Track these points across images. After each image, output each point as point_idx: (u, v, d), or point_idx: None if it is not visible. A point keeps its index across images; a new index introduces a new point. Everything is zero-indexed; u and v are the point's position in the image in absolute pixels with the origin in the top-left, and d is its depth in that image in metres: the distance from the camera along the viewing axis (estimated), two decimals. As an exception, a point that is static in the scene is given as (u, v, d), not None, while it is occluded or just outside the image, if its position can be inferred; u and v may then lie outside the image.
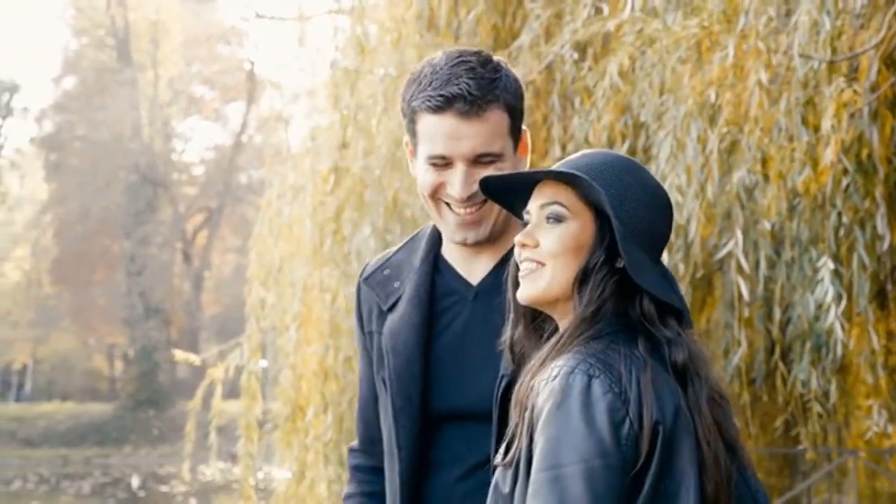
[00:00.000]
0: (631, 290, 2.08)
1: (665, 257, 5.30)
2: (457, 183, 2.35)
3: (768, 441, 8.37)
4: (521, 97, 2.43)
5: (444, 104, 2.31)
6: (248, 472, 7.85)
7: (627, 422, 1.93)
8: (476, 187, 2.32)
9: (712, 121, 5.41)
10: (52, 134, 47.71)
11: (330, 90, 7.51)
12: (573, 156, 2.19)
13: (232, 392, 8.43)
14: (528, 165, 2.53)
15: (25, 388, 53.12)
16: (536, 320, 2.23)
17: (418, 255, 2.56)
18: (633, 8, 5.75)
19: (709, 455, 2.01)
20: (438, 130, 2.33)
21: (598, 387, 1.94)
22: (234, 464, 22.95)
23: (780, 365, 6.08)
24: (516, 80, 2.42)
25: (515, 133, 2.42)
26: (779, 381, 6.13)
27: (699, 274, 5.91)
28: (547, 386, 1.97)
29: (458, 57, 2.36)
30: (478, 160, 2.35)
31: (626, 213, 2.06)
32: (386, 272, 2.60)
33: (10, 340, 50.37)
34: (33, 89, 72.38)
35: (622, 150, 5.87)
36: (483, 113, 2.31)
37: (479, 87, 2.31)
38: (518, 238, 2.14)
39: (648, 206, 2.10)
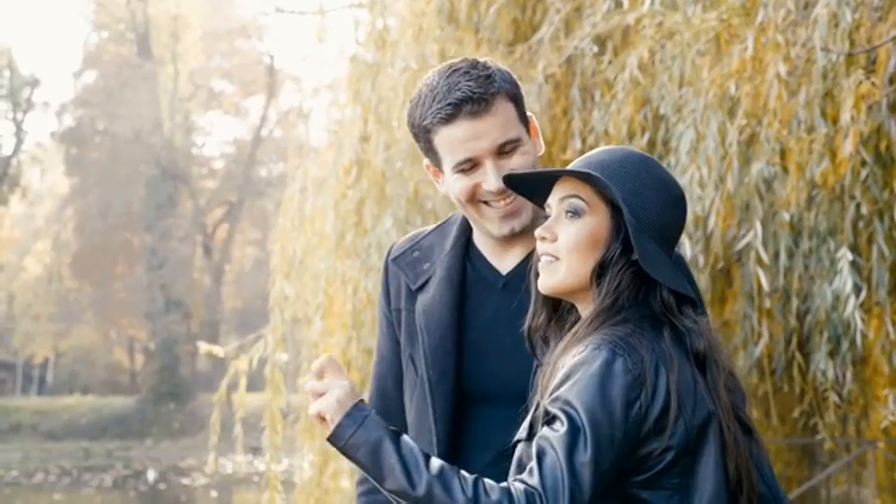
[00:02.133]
0: (649, 281, 2.18)
1: (686, 249, 5.35)
2: (490, 177, 2.45)
3: (787, 431, 8.38)
4: (517, 85, 2.54)
5: (453, 111, 2.43)
6: (272, 464, 7.89)
7: (638, 404, 2.04)
8: None
9: (731, 113, 5.43)
10: (73, 128, 47.81)
11: (351, 84, 7.54)
12: (593, 151, 2.29)
13: (253, 385, 8.48)
14: (542, 147, 2.62)
15: (47, 381, 53.34)
16: (560, 310, 2.33)
17: (449, 241, 2.67)
18: (652, 1, 5.78)
19: (729, 437, 2.11)
20: (457, 137, 2.45)
21: (619, 365, 2.04)
22: (254, 456, 23.03)
23: (799, 356, 6.10)
24: (509, 72, 2.54)
25: (523, 119, 2.53)
26: (797, 372, 6.14)
27: (719, 265, 5.93)
28: (574, 358, 2.08)
29: (449, 68, 2.49)
30: (501, 151, 2.46)
31: (640, 208, 2.16)
32: (416, 254, 2.70)
33: (32, 334, 50.55)
34: (54, 84, 72.70)
35: (642, 142, 5.89)
36: (491, 107, 2.43)
37: (479, 85, 2.43)
38: (537, 231, 2.25)
39: (662, 201, 2.19)
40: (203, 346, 8.43)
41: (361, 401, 2.18)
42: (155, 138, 44.66)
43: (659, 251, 2.18)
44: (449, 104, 2.43)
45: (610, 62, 6.10)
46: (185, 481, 29.08)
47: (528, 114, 2.58)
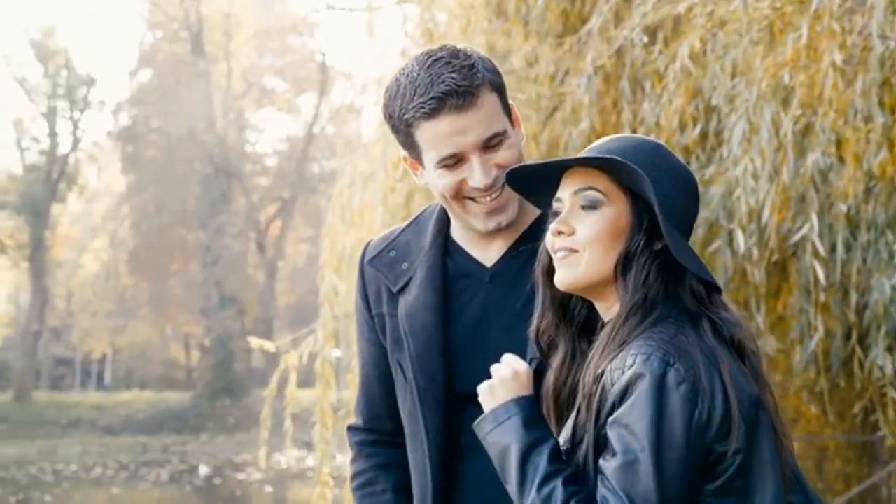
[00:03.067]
0: (676, 273, 2.08)
1: (740, 241, 5.26)
2: (477, 173, 2.36)
3: (846, 428, 8.25)
4: (499, 73, 2.45)
5: (437, 105, 2.32)
6: (323, 460, 7.88)
7: (697, 413, 1.94)
8: (495, 171, 2.36)
9: (786, 103, 5.33)
10: (129, 126, 48.29)
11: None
12: (601, 140, 2.19)
13: (306, 380, 8.47)
14: (524, 136, 2.54)
15: (105, 377, 53.92)
16: (566, 309, 2.23)
17: (426, 237, 2.57)
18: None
19: (779, 425, 2.04)
20: (441, 132, 2.35)
21: (673, 376, 1.94)
22: (308, 451, 23.11)
23: (858, 350, 5.98)
24: (489, 60, 2.45)
25: (506, 109, 2.44)
26: (856, 367, 6.02)
27: (774, 259, 5.83)
28: (624, 374, 1.97)
29: (429, 58, 2.37)
30: (487, 145, 2.37)
31: (661, 196, 2.05)
32: (392, 253, 2.61)
33: (90, 330, 51.16)
34: (110, 83, 73.38)
35: (693, 134, 5.81)
36: (475, 99, 2.34)
37: (462, 77, 2.33)
38: (553, 226, 2.13)
39: (678, 188, 2.10)
40: (254, 341, 8.46)
41: (523, 397, 2.13)
42: (208, 136, 44.98)
43: (684, 240, 2.09)
44: (432, 98, 2.33)
45: (660, 52, 6.02)
46: (240, 476, 29.27)
47: (510, 102, 2.49)
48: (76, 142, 45.99)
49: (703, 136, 5.90)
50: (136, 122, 48.13)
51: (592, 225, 2.08)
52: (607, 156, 2.08)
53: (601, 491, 1.96)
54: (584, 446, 2.04)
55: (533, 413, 2.12)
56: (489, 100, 2.36)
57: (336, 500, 7.93)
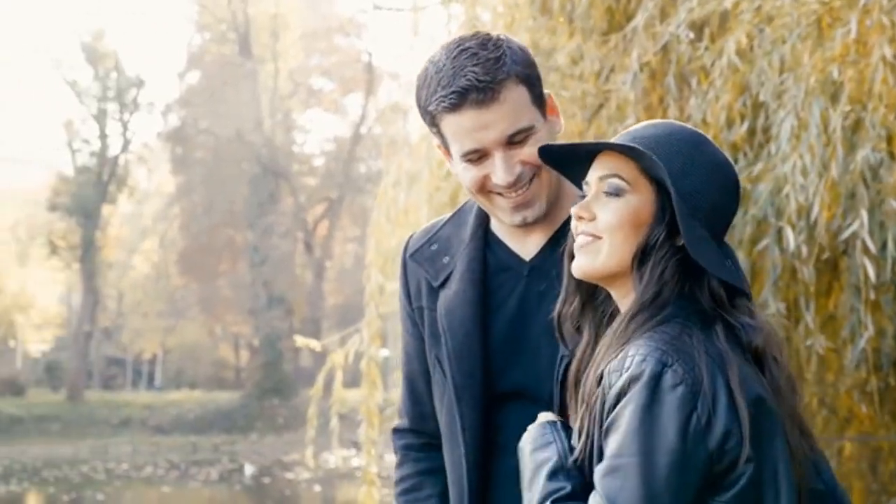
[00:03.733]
0: (696, 272, 1.98)
1: (789, 239, 5.20)
2: (499, 171, 2.29)
3: (899, 428, 8.16)
4: (531, 64, 2.34)
5: (458, 100, 2.25)
6: (370, 459, 7.89)
7: (695, 417, 1.83)
8: (519, 168, 2.29)
9: (834, 99, 5.27)
10: (178, 128, 48.64)
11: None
12: (638, 125, 2.10)
13: (353, 380, 8.48)
14: (562, 126, 2.46)
15: (156, 377, 54.34)
16: (595, 296, 2.14)
17: (466, 230, 2.50)
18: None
19: (794, 442, 1.93)
20: (462, 127, 2.27)
21: (669, 377, 1.84)
22: (356, 451, 23.19)
23: (910, 349, 5.90)
24: (522, 49, 2.34)
25: (539, 100, 2.35)
26: (909, 366, 5.95)
27: (824, 256, 5.76)
28: (621, 377, 1.88)
29: (457, 47, 2.30)
30: (511, 141, 2.29)
31: (689, 189, 1.97)
32: (433, 247, 2.55)
33: (141, 331, 51.58)
34: (159, 84, 74.07)
35: (741, 130, 5.76)
36: (498, 95, 2.25)
37: (485, 71, 2.24)
38: (574, 210, 2.06)
39: (713, 182, 2.00)
40: (300, 340, 8.48)
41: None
42: (256, 137, 45.22)
43: (708, 238, 1.98)
44: (453, 92, 2.25)
45: (707, 48, 5.97)
46: (289, 476, 29.40)
47: (546, 92, 2.39)
48: (126, 143, 46.40)
49: (751, 132, 5.84)
50: (184, 123, 48.47)
51: (613, 213, 2.00)
52: (628, 143, 2.01)
53: (591, 499, 1.89)
54: (586, 452, 1.97)
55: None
56: (515, 94, 2.27)
57: (383, 500, 7.93)
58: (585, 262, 2.03)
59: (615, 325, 2.00)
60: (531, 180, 2.32)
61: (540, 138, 2.30)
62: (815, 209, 5.15)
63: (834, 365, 6.97)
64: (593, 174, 2.06)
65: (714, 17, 6.11)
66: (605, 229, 2.00)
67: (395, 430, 2.72)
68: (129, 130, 46.52)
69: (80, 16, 69.85)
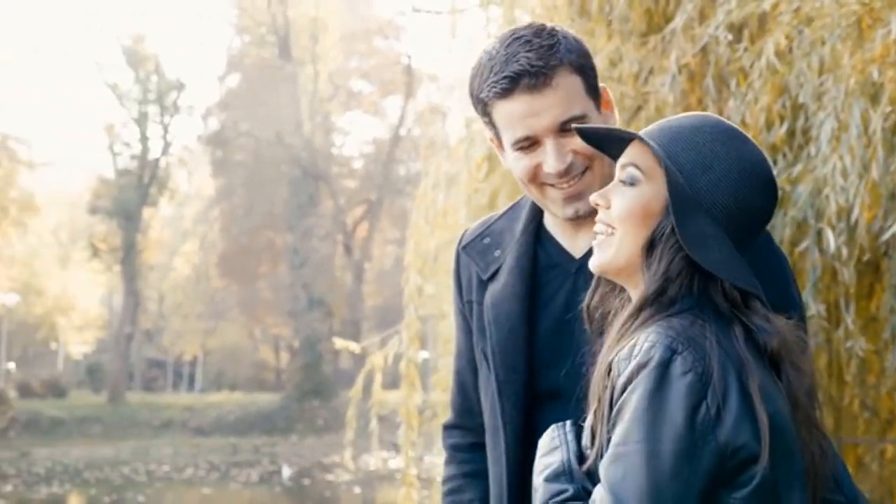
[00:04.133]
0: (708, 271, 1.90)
1: (829, 241, 5.18)
2: (551, 158, 2.24)
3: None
4: (586, 54, 2.30)
5: (510, 85, 2.21)
6: (409, 461, 7.90)
7: (704, 405, 1.76)
8: (570, 158, 2.25)
9: (875, 100, 5.23)
10: (218, 131, 48.92)
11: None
12: (678, 115, 2.04)
13: (393, 382, 8.51)
14: (617, 121, 2.42)
15: (196, 379, 54.65)
16: (616, 289, 2.08)
17: (519, 225, 2.46)
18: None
19: (808, 455, 1.86)
20: (514, 113, 2.24)
21: (679, 364, 1.78)
22: (396, 453, 23.25)
23: (954, 351, 5.85)
24: (577, 40, 2.31)
25: (593, 91, 2.30)
26: (953, 369, 5.90)
27: (865, 258, 5.72)
28: (629, 365, 1.82)
29: (511, 36, 2.26)
30: (563, 129, 2.24)
31: (707, 184, 1.90)
32: (486, 240, 2.51)
33: (182, 333, 51.93)
34: (199, 88, 74.49)
35: (780, 132, 5.73)
36: (551, 80, 2.21)
37: (539, 56, 2.20)
38: (592, 198, 2.03)
39: (738, 179, 1.91)
40: (338, 342, 8.50)
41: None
42: (296, 139, 45.40)
43: (720, 235, 1.89)
44: (505, 77, 2.20)
45: (746, 50, 5.94)
46: (329, 477, 29.50)
47: (601, 85, 2.36)
48: (166, 146, 46.73)
49: (791, 134, 5.81)
50: (224, 126, 48.73)
51: (624, 201, 1.95)
52: (655, 133, 1.97)
53: (595, 492, 1.83)
54: (595, 449, 1.90)
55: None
56: (568, 81, 2.23)
57: (422, 502, 7.95)
58: (600, 257, 2.00)
59: (622, 316, 1.94)
60: (584, 172, 2.28)
61: None
62: (856, 211, 5.12)
63: (875, 367, 6.93)
64: (619, 162, 2.02)
65: (753, 19, 6.08)
66: (616, 218, 1.96)
67: (445, 427, 2.71)
68: (170, 133, 46.89)
69: (121, 19, 70.33)
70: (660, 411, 1.76)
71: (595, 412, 1.91)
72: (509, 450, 2.37)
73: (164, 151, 46.72)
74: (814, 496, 1.87)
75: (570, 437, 2.03)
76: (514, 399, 2.36)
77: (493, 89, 2.23)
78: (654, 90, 6.30)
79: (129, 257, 44.96)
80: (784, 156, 5.82)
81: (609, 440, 1.85)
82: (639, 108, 6.47)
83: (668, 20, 6.58)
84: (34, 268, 50.73)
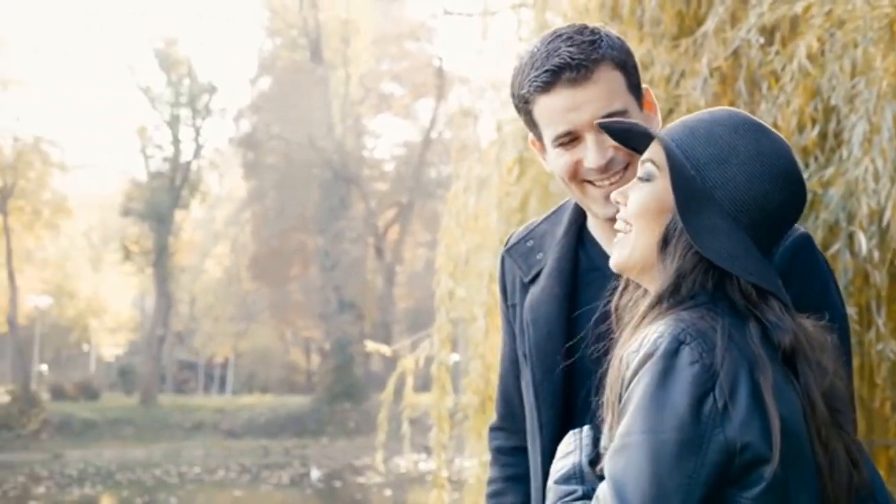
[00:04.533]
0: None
1: (861, 244, 5.17)
2: (591, 153, 2.22)
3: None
4: (628, 52, 2.28)
5: (551, 78, 2.20)
6: (440, 463, 7.92)
7: (711, 398, 1.71)
8: (611, 153, 2.22)
9: (907, 102, 5.23)
10: (249, 133, 49.08)
11: (513, 82, 7.52)
12: (700, 111, 2.01)
13: (424, 384, 8.52)
14: (659, 122, 2.39)
15: (227, 381, 54.81)
16: (638, 288, 2.04)
17: (561, 227, 2.45)
18: (821, -11, 5.60)
19: (824, 457, 1.80)
20: (556, 107, 2.22)
21: (686, 354, 1.73)
22: (427, 455, 23.29)
23: None
24: (619, 38, 2.29)
25: (635, 90, 2.28)
26: (984, 372, 5.87)
27: (897, 261, 5.71)
28: (637, 356, 1.78)
29: (552, 34, 2.25)
30: None
31: (723, 177, 1.86)
32: (529, 243, 2.50)
33: (213, 335, 52.08)
34: (231, 90, 74.67)
35: (812, 134, 5.72)
36: (592, 74, 2.19)
37: (580, 51, 2.19)
38: (613, 194, 2.03)
39: (754, 172, 1.86)
40: (369, 345, 8.53)
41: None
42: (327, 142, 45.50)
43: (733, 230, 1.85)
44: (546, 71, 2.18)
45: (777, 53, 5.94)
46: (360, 480, 29.54)
47: (644, 86, 2.33)
48: (198, 149, 46.92)
49: (823, 136, 5.79)
50: (256, 128, 48.88)
51: (638, 197, 1.94)
52: (678, 127, 1.94)
53: (600, 486, 1.79)
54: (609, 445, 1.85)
55: None
56: (609, 76, 2.22)
57: (453, 504, 7.97)
58: (617, 255, 1.98)
59: (636, 312, 1.91)
60: (625, 169, 2.25)
61: None
62: (888, 213, 5.11)
63: (907, 370, 6.91)
64: (640, 160, 2.00)
65: (785, 22, 6.07)
66: (631, 214, 1.95)
67: (490, 429, 2.72)
68: (202, 136, 47.07)
69: (154, 23, 70.69)
70: (664, 401, 1.72)
71: (609, 407, 1.86)
72: (545, 449, 2.35)
73: (196, 154, 46.92)
74: (833, 500, 1.81)
75: (587, 440, 2.02)
76: (550, 400, 2.35)
77: (535, 83, 2.22)
78: (686, 93, 6.30)
79: (160, 260, 45.17)
80: (816, 159, 5.81)
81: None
82: (671, 111, 6.47)
83: (700, 23, 6.58)
84: (67, 270, 51.06)
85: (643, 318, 1.87)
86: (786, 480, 1.75)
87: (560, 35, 2.24)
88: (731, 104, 6.26)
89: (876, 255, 5.40)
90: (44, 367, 49.82)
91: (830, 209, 5.46)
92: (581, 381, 2.31)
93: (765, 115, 5.78)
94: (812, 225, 5.53)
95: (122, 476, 30.67)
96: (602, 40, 2.23)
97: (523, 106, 2.29)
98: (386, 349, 8.60)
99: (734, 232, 1.85)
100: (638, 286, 2.02)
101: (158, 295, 46.06)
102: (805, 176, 5.80)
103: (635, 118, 2.24)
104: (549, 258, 2.42)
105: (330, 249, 44.52)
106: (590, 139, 2.22)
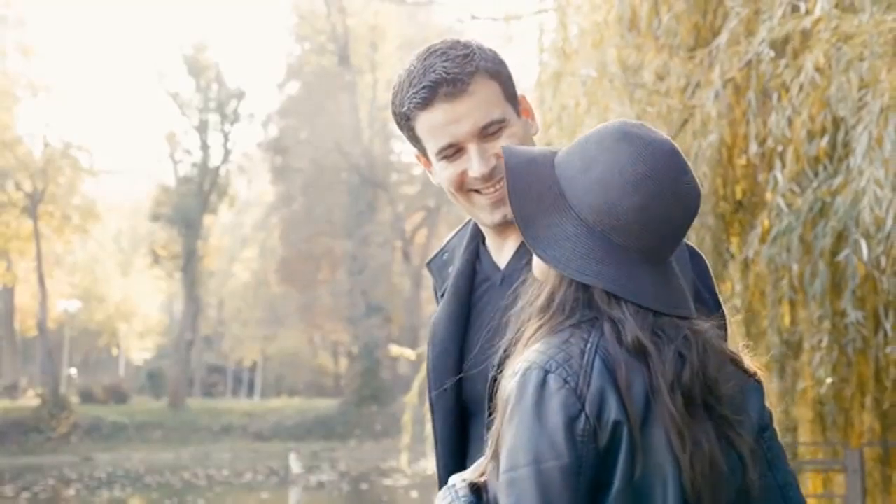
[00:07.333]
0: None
1: (863, 251, 5.30)
2: (475, 162, 2.25)
3: None
4: (501, 62, 2.32)
5: (429, 94, 2.24)
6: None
7: (583, 417, 1.77)
8: (494, 161, 2.26)
9: (912, 114, 5.35)
10: (277, 138, 49.14)
11: (535, 91, 7.66)
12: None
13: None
14: (538, 129, 2.43)
15: (256, 384, 54.93)
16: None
17: (465, 241, 2.48)
18: (825, 5, 5.72)
19: (678, 444, 1.80)
20: (436, 122, 2.27)
21: (552, 382, 1.78)
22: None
23: None
24: (492, 50, 2.33)
25: (511, 98, 2.32)
26: None
27: (905, 267, 5.84)
28: (509, 384, 1.84)
29: (426, 51, 2.30)
30: (485, 133, 2.26)
31: (583, 186, 1.89)
32: (444, 256, 2.54)
33: (241, 339, 52.16)
34: (259, 95, 75.01)
35: (821, 144, 5.86)
36: (468, 87, 2.24)
37: (455, 65, 2.23)
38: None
39: (608, 180, 1.87)
40: (394, 349, 8.64)
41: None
42: (355, 146, 45.59)
43: (586, 236, 1.88)
44: (424, 87, 2.24)
45: (787, 66, 6.08)
46: (387, 482, 29.62)
47: (520, 94, 2.36)
48: (227, 154, 47.06)
49: (831, 147, 5.93)
50: (284, 133, 48.99)
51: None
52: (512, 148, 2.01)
53: None
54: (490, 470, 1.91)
55: None
56: (485, 87, 2.26)
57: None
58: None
59: (511, 333, 1.97)
60: None
61: (514, 132, 2.29)
62: (890, 221, 5.22)
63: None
64: None
65: (795, 36, 6.22)
66: None
67: None
68: (230, 141, 47.19)
69: (183, 29, 71.10)
70: (541, 431, 1.78)
71: (494, 429, 1.90)
72: (440, 466, 2.41)
73: (225, 159, 47.07)
74: (695, 492, 1.82)
75: (463, 492, 1.99)
76: (442, 415, 2.38)
77: (414, 100, 2.27)
78: (700, 104, 6.43)
79: (189, 264, 45.33)
80: (825, 168, 5.95)
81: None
82: (685, 122, 6.61)
83: (716, 33, 6.71)
84: (96, 274, 51.38)
85: (521, 339, 1.91)
86: (642, 476, 1.80)
87: (434, 51, 2.28)
88: (743, 114, 6.40)
89: (882, 261, 5.53)
90: (73, 371, 50.12)
91: (838, 217, 5.60)
92: (471, 391, 2.33)
93: (774, 126, 5.92)
94: (820, 232, 5.67)
95: (150, 479, 30.86)
96: (475, 53, 2.27)
97: (405, 123, 2.34)
98: (410, 353, 8.71)
99: (586, 238, 1.88)
100: (527, 291, 2.00)
101: (187, 299, 46.23)
102: (814, 184, 5.95)
103: (514, 125, 2.29)
104: (453, 273, 2.45)
105: (357, 253, 44.63)
106: (472, 149, 2.26)
